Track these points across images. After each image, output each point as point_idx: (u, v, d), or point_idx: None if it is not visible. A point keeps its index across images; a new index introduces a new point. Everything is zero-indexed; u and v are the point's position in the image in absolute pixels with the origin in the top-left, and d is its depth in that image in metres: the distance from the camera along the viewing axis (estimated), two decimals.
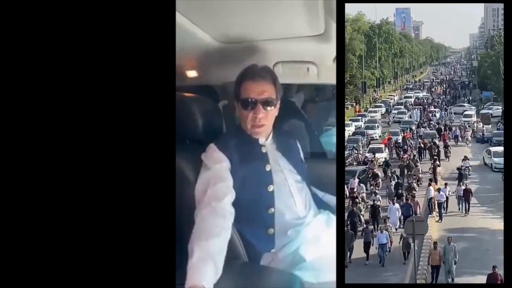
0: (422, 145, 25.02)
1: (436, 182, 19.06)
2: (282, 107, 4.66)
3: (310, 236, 4.41)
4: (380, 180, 19.06)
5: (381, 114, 39.54)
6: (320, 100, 8.03)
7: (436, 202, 16.99)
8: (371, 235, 13.96)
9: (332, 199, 5.04)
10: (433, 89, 56.18)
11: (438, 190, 17.28)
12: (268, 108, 4.43)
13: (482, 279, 11.77)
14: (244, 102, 4.41)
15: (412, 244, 12.46)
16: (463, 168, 20.64)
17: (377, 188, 18.11)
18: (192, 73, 6.44)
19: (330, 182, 5.26)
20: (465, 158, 21.63)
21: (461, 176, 19.42)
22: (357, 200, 15.94)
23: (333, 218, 4.70)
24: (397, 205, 15.79)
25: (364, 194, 17.48)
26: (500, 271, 10.48)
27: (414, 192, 17.59)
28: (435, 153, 23.18)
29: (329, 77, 6.05)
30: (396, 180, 18.47)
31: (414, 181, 19.26)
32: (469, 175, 20.81)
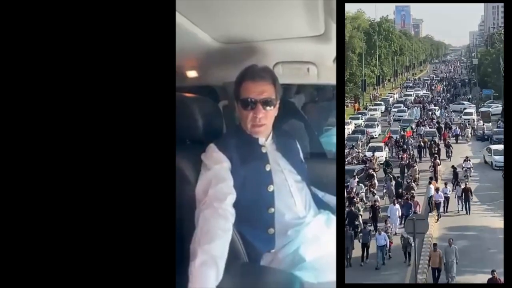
0: (422, 144, 24.99)
1: (436, 181, 19.03)
2: (282, 108, 4.67)
3: (310, 236, 4.41)
4: (376, 180, 18.93)
5: (381, 112, 39.53)
6: (320, 100, 8.07)
7: (434, 202, 16.97)
8: (370, 236, 13.91)
9: (332, 199, 5.05)
10: (433, 87, 56.15)
11: (437, 190, 17.25)
12: (268, 108, 4.43)
13: (482, 278, 11.77)
14: (244, 102, 4.42)
15: (413, 244, 12.45)
16: (464, 168, 20.55)
17: (372, 188, 17.99)
18: (192, 74, 6.45)
19: (330, 182, 5.27)
20: (467, 159, 21.44)
21: (456, 175, 19.35)
22: (355, 200, 15.87)
23: (333, 218, 4.70)
24: (397, 205, 15.74)
25: (363, 194, 17.41)
26: (500, 270, 10.47)
27: (413, 191, 17.54)
28: (435, 151, 23.16)
29: (329, 78, 6.06)
30: (395, 180, 18.39)
31: (411, 181, 19.21)
32: (470, 176, 20.70)
